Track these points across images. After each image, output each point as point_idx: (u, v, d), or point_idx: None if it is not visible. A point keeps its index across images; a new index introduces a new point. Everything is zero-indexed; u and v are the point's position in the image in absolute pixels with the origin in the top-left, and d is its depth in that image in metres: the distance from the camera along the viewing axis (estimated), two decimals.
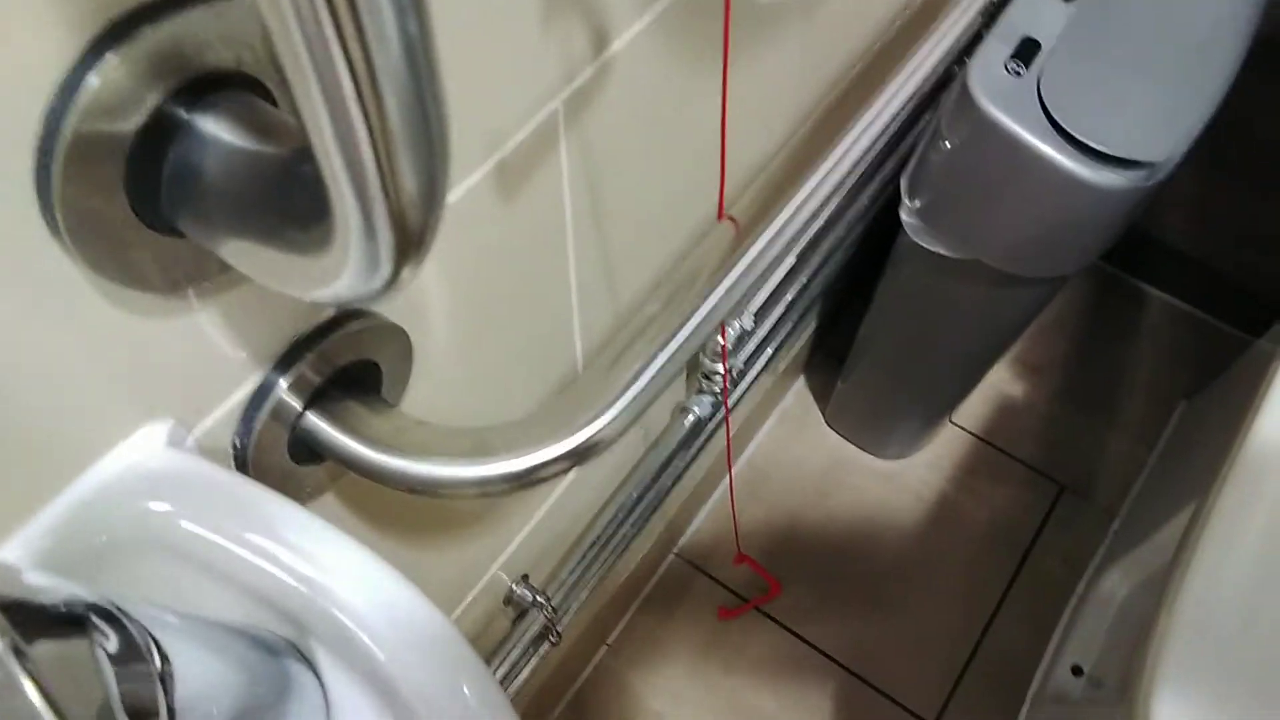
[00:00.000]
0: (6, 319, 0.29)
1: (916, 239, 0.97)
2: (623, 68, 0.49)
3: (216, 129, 0.29)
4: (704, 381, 0.93)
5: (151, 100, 0.28)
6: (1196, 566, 0.69)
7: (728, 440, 1.05)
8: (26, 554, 0.33)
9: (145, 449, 0.36)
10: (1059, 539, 1.38)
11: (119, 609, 0.25)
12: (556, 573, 0.90)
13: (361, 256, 0.25)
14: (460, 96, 0.38)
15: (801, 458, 1.44)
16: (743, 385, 1.00)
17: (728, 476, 1.36)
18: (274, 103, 0.32)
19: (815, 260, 1.01)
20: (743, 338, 0.94)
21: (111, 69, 0.27)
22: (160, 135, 0.29)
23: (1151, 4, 0.90)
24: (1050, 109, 0.82)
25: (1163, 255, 1.48)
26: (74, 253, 0.29)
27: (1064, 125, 0.81)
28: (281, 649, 0.36)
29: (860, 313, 1.23)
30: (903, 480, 1.42)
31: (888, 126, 0.55)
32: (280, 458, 0.43)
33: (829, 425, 1.46)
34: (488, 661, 0.84)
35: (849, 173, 0.53)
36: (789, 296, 1.00)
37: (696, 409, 0.94)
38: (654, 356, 0.45)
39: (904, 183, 0.97)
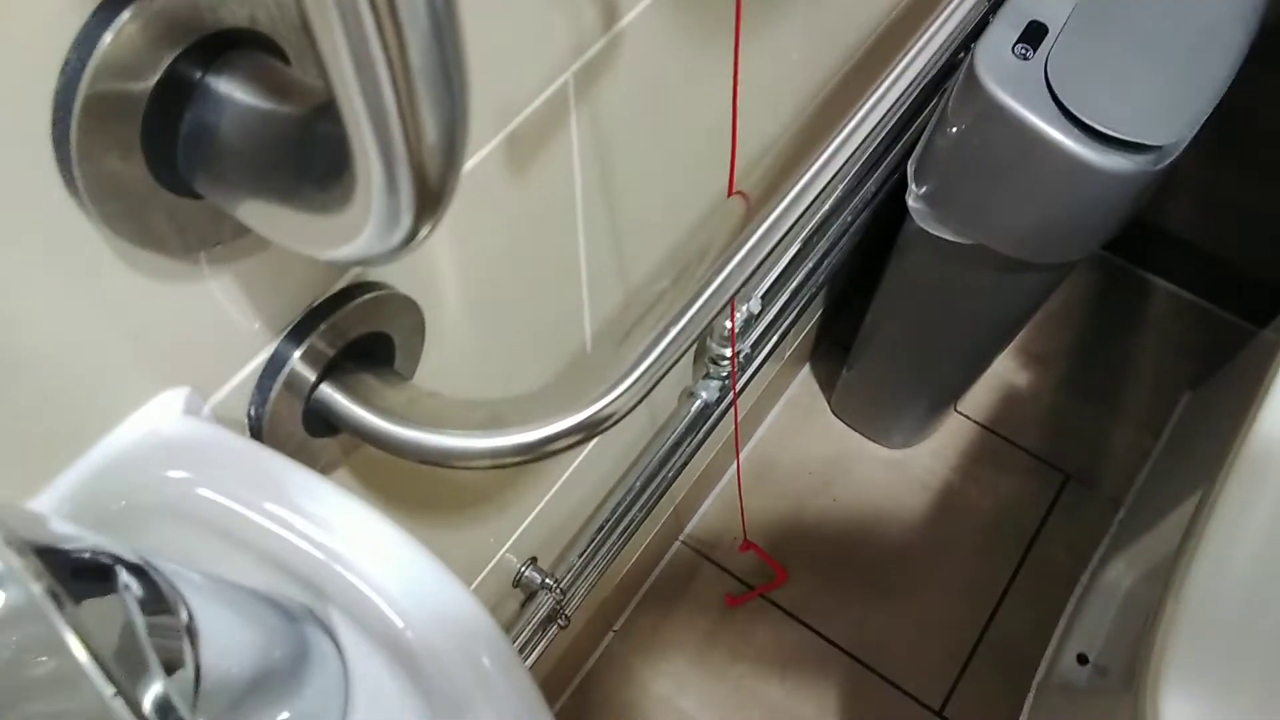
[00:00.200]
0: (27, 278, 0.29)
1: (923, 225, 0.97)
2: (633, 41, 0.49)
3: (231, 88, 0.29)
4: (711, 366, 0.93)
5: (166, 58, 0.28)
6: (1202, 555, 0.69)
7: (735, 425, 1.05)
8: None
9: (162, 416, 0.36)
10: (1064, 528, 1.38)
11: (147, 561, 0.25)
12: (565, 555, 0.90)
13: (382, 210, 0.25)
14: (471, 67, 0.39)
15: (807, 446, 1.44)
16: (749, 370, 1.00)
17: (734, 463, 1.36)
18: (287, 62, 0.32)
19: (822, 246, 1.01)
20: (749, 322, 0.94)
21: (125, 24, 0.27)
22: (175, 94, 0.29)
23: None
24: (1057, 92, 0.82)
25: (1168, 245, 1.48)
26: (92, 212, 0.29)
27: (1071, 109, 0.81)
28: (300, 615, 0.36)
29: (866, 301, 1.23)
30: (908, 469, 1.43)
31: (899, 101, 0.55)
32: (295, 429, 0.43)
33: (834, 414, 1.46)
34: None
35: (860, 146, 0.53)
36: (795, 282, 1.00)
37: (704, 394, 0.94)
38: (666, 330, 0.45)
39: (910, 168, 0.97)
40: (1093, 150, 0.81)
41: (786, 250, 0.95)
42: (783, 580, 1.32)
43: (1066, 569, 1.31)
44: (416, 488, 0.59)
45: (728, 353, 0.91)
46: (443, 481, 0.62)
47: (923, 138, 0.96)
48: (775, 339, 1.02)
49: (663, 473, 0.95)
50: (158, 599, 0.24)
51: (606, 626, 1.28)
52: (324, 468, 0.48)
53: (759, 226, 0.49)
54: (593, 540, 0.91)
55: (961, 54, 0.90)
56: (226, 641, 0.29)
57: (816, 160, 0.52)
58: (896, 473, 1.42)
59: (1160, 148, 0.81)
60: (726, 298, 0.48)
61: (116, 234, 0.30)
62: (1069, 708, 1.11)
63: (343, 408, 0.42)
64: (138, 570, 0.24)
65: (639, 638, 1.29)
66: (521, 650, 0.86)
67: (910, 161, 0.98)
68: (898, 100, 0.55)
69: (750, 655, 1.28)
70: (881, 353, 1.29)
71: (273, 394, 0.40)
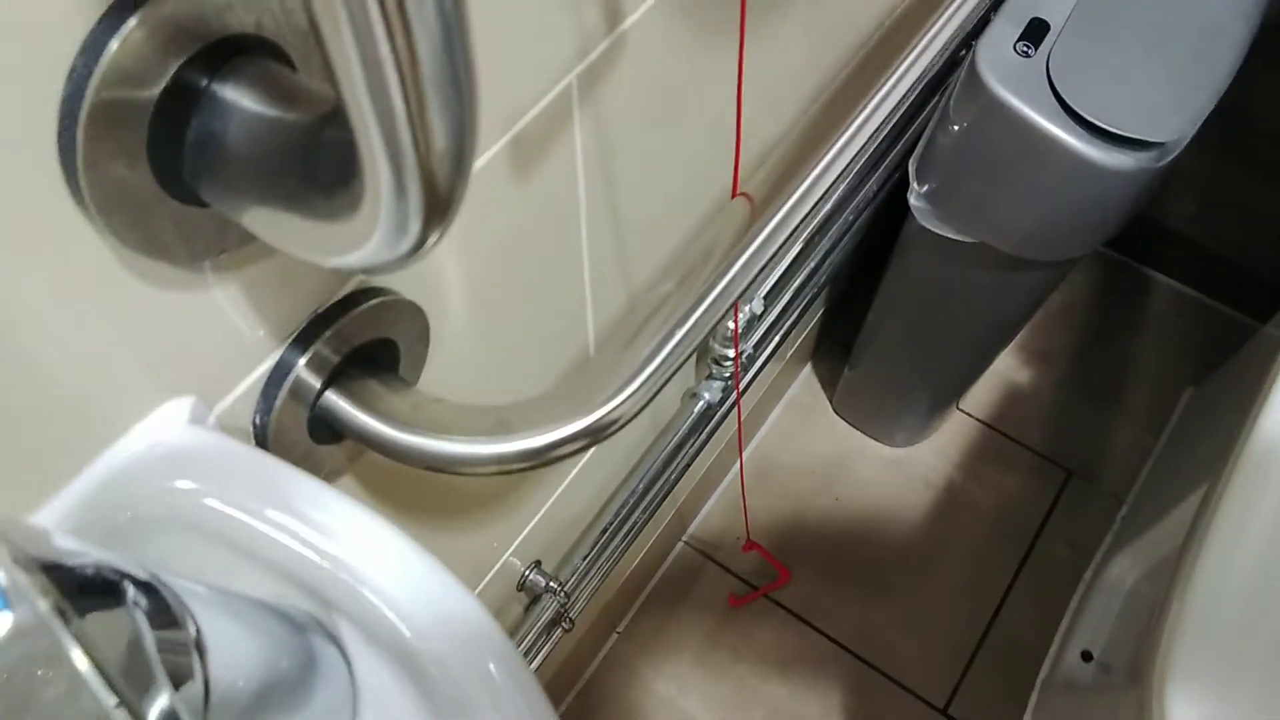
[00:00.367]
0: (31, 286, 0.29)
1: (924, 223, 0.97)
2: (636, 43, 0.49)
3: (237, 95, 0.29)
4: (714, 367, 0.93)
5: (172, 65, 0.28)
6: (1207, 552, 0.69)
7: (739, 425, 1.05)
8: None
9: (167, 426, 0.36)
10: (1067, 525, 1.37)
11: (154, 575, 0.24)
12: (568, 559, 0.90)
13: (390, 217, 0.25)
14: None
15: (809, 446, 1.44)
16: (752, 371, 1.00)
17: (737, 463, 1.36)
18: (293, 68, 0.31)
19: (824, 245, 1.01)
20: (752, 322, 0.94)
21: (132, 31, 0.27)
22: (182, 101, 0.29)
23: None
24: (1059, 90, 0.81)
25: (1170, 241, 1.48)
26: (97, 220, 0.29)
27: (1073, 106, 0.81)
28: (307, 625, 0.36)
29: (867, 300, 1.22)
30: (911, 467, 1.42)
31: (901, 102, 0.55)
32: (300, 436, 0.42)
33: (836, 413, 1.46)
34: None
35: (865, 146, 0.53)
36: (797, 281, 0.99)
37: (706, 394, 0.94)
38: (672, 333, 0.45)
39: (912, 167, 0.97)
40: (1095, 147, 0.81)
41: (794, 244, 0.95)
42: (786, 580, 1.32)
43: (1070, 566, 1.31)
44: (421, 493, 0.59)
45: (731, 354, 0.91)
46: (447, 487, 0.62)
47: (924, 136, 0.95)
48: (777, 339, 1.02)
49: (666, 474, 0.95)
50: (165, 613, 0.24)
51: (610, 628, 1.28)
52: (329, 475, 0.47)
53: (764, 229, 0.49)
54: (596, 543, 0.91)
55: (963, 52, 0.89)
56: (234, 654, 0.29)
57: (820, 162, 0.52)
58: (899, 471, 1.42)
59: (1162, 144, 0.81)
60: (732, 300, 0.47)
61: (122, 242, 0.30)
62: (1073, 705, 1.10)
63: (348, 415, 0.42)
64: (145, 585, 0.24)
65: (643, 639, 1.29)
66: (526, 654, 0.86)
67: (912, 160, 0.97)
68: (900, 101, 0.55)
69: (753, 655, 1.28)
70: (883, 351, 1.29)
71: (278, 402, 0.40)
